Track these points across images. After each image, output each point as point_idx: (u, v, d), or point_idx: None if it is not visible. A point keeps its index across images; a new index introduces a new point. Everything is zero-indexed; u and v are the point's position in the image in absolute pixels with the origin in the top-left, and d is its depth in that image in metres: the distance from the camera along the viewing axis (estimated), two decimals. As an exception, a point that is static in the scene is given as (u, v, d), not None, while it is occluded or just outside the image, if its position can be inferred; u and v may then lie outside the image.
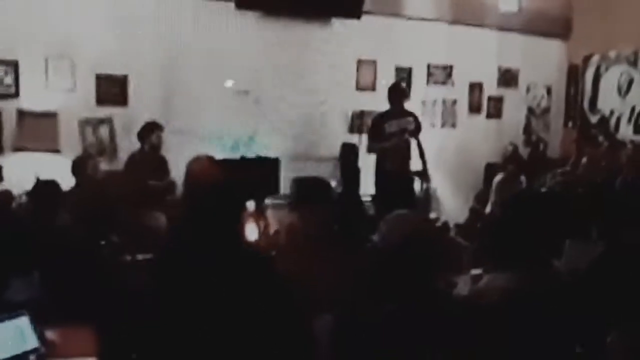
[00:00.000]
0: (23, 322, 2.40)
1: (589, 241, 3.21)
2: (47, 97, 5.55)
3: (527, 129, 8.41)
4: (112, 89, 5.82)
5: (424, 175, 6.47)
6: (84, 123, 5.74)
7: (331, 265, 2.66)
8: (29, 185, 4.24)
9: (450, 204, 7.61)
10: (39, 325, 2.42)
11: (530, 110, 8.42)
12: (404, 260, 2.08)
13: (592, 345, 2.17)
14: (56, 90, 5.59)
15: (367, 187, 6.43)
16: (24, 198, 4.58)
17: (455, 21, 7.48)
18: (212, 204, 2.36)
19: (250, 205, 5.27)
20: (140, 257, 3.67)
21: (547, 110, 8.54)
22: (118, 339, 2.56)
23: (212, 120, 6.23)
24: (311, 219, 2.89)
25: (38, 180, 4.09)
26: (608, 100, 7.84)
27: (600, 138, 7.80)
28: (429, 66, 7.51)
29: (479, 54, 7.70)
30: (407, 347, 1.94)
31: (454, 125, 7.77)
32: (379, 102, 6.51)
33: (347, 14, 6.71)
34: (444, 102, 7.68)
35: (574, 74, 8.37)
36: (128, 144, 5.74)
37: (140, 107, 5.87)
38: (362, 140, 6.73)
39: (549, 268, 2.37)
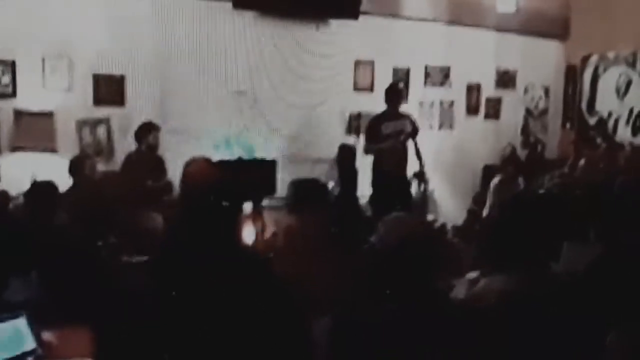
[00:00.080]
0: (21, 323, 2.39)
1: (587, 243, 3.21)
2: (45, 97, 5.53)
3: (525, 130, 8.41)
4: (110, 89, 5.80)
5: (421, 176, 6.48)
6: (81, 123, 5.73)
7: (329, 266, 2.66)
8: (26, 185, 4.24)
9: (448, 205, 7.60)
10: (36, 326, 2.41)
11: (528, 112, 8.42)
12: (401, 261, 2.08)
13: (591, 346, 2.17)
14: (53, 90, 5.57)
15: (365, 188, 6.42)
16: (21, 198, 4.57)
17: (452, 22, 7.48)
18: (209, 206, 2.36)
19: (248, 207, 5.26)
20: (137, 258, 3.65)
21: (545, 112, 8.54)
22: (115, 339, 2.55)
23: (209, 121, 6.22)
24: (309, 221, 2.89)
25: (35, 180, 4.08)
26: (606, 102, 7.84)
27: (598, 140, 7.80)
28: (426, 67, 7.51)
29: (477, 55, 7.70)
30: (407, 347, 1.94)
31: (451, 127, 7.77)
32: (376, 103, 6.50)
33: (344, 14, 6.70)
34: (441, 103, 7.68)
35: (572, 75, 8.37)
36: (125, 144, 5.73)
37: (138, 107, 5.86)
38: (359, 142, 6.73)
39: (547, 270, 2.37)
